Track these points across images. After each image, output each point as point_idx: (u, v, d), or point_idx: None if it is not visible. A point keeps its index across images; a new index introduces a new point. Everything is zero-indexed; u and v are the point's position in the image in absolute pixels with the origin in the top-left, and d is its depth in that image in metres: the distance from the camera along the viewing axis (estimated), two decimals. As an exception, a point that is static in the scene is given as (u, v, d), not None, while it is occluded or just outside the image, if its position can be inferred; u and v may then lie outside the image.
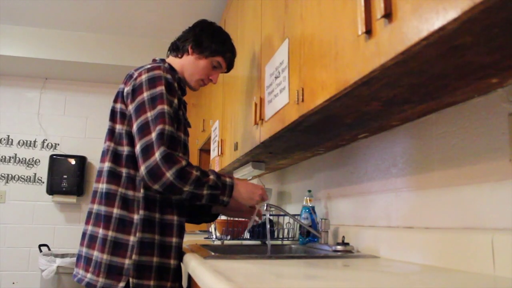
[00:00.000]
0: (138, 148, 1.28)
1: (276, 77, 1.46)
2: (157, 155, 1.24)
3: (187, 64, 1.54)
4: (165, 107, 1.30)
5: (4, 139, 3.93)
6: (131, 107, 1.34)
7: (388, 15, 0.76)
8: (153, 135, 1.26)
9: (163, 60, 1.54)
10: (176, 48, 1.57)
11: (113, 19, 3.38)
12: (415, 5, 0.69)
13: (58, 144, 4.01)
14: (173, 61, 1.56)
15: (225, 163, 2.38)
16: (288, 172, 2.34)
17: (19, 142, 3.95)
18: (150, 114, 1.29)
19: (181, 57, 1.55)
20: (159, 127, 1.27)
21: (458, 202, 1.04)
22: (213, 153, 2.78)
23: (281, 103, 1.39)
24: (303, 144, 1.66)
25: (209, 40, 1.53)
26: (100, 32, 3.62)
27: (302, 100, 1.20)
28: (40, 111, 4.03)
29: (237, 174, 2.49)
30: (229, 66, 1.63)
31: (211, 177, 1.31)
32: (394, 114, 1.18)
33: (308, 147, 1.74)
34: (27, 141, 3.96)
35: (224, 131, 2.47)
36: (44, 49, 3.56)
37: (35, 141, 3.98)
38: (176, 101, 1.36)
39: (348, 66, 0.93)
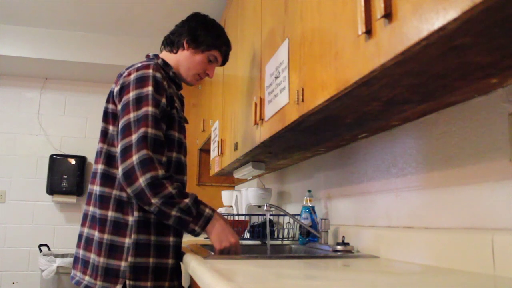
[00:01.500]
0: (118, 149, 1.28)
1: (276, 77, 1.46)
2: (134, 158, 1.23)
3: (183, 59, 1.52)
4: (150, 109, 1.28)
5: (4, 139, 3.93)
6: (119, 107, 1.34)
7: (388, 15, 0.76)
8: (134, 137, 1.25)
9: (156, 56, 1.52)
10: (171, 43, 1.55)
11: (113, 19, 3.38)
12: (415, 5, 0.69)
13: (58, 144, 4.02)
14: (167, 56, 1.54)
15: (225, 163, 2.38)
16: (288, 172, 2.33)
17: (19, 142, 3.95)
18: (133, 115, 1.28)
19: (176, 52, 1.53)
20: (141, 130, 1.25)
21: (458, 202, 1.04)
22: (213, 153, 2.78)
23: (281, 103, 1.39)
24: (303, 144, 1.66)
25: (205, 34, 1.52)
26: (100, 32, 3.62)
27: (302, 100, 1.20)
28: (40, 111, 4.03)
29: (237, 174, 2.49)
30: (225, 60, 1.61)
31: (186, 200, 1.25)
32: (394, 114, 1.18)
33: (308, 147, 1.74)
34: (27, 141, 3.96)
35: (224, 131, 2.47)
36: (44, 49, 3.56)
37: (35, 141, 3.98)
38: (164, 100, 1.33)
39: (348, 66, 0.93)
